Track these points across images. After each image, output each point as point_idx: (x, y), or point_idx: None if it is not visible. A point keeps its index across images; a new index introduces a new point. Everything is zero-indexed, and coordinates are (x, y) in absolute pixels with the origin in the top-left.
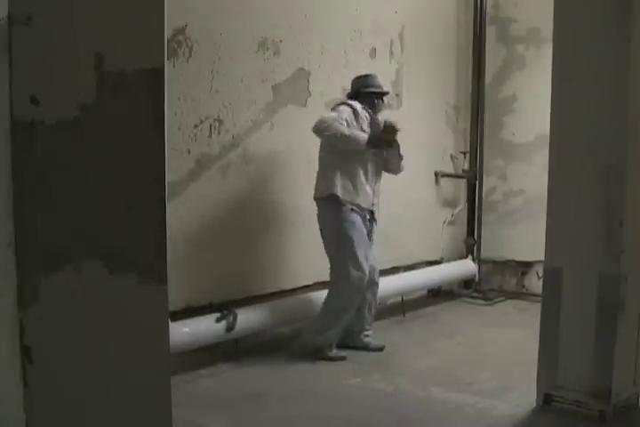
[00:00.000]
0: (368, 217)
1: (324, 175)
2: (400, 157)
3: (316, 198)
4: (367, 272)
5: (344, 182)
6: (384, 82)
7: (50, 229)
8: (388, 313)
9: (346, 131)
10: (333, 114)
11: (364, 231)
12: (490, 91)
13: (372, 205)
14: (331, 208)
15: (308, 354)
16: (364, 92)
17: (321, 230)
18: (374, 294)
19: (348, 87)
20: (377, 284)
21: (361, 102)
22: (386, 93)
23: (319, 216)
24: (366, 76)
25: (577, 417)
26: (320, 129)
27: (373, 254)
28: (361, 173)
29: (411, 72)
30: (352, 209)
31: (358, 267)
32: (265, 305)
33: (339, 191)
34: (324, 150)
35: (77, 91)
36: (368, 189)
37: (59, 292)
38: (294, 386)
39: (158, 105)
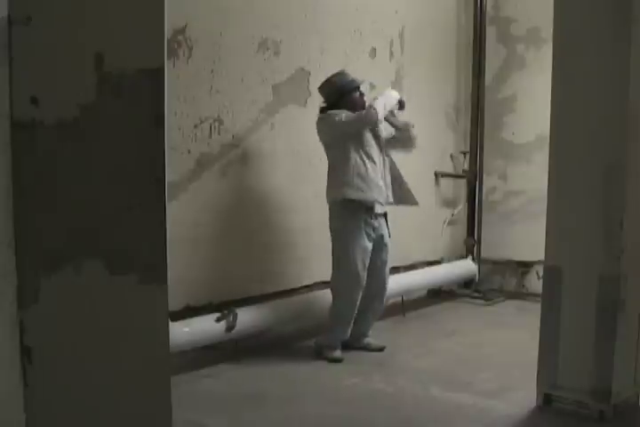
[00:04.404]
0: (379, 223)
1: (334, 179)
2: (408, 127)
3: (328, 202)
4: (362, 278)
5: (355, 182)
6: (384, 82)
7: (50, 228)
8: (388, 313)
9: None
10: (336, 116)
11: (367, 239)
12: (490, 91)
13: (388, 197)
14: (341, 212)
15: (316, 352)
16: (352, 88)
17: (330, 233)
18: (381, 300)
19: None
20: (385, 290)
21: (346, 103)
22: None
23: (329, 218)
24: (340, 74)
25: (577, 417)
26: (355, 123)
27: (383, 261)
28: (369, 168)
29: (411, 72)
30: (362, 214)
31: (353, 276)
32: (265, 305)
33: (351, 194)
34: (329, 154)
35: (77, 91)
36: (381, 183)
37: (59, 292)
38: (294, 386)
39: (158, 105)
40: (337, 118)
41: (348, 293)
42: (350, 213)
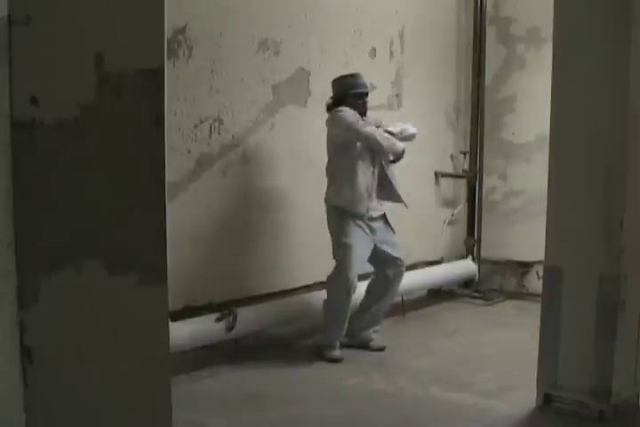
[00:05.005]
0: (375, 224)
1: (330, 184)
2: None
3: (325, 205)
4: (353, 283)
5: (346, 191)
6: (384, 82)
7: (50, 229)
8: (388, 313)
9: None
10: (354, 122)
11: (366, 240)
12: (490, 91)
13: (369, 210)
14: (334, 216)
15: (314, 353)
16: (354, 93)
17: (329, 234)
18: (393, 293)
19: None
20: (399, 282)
21: (348, 105)
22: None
23: (327, 221)
24: (353, 76)
25: (577, 417)
26: (383, 146)
27: (395, 251)
28: (359, 179)
29: (411, 72)
30: (354, 218)
31: (346, 274)
32: (265, 305)
33: (340, 201)
34: (330, 156)
35: (77, 91)
36: (365, 195)
37: (59, 292)
38: (294, 386)
39: (158, 105)
40: (355, 126)
41: (338, 294)
42: (344, 218)
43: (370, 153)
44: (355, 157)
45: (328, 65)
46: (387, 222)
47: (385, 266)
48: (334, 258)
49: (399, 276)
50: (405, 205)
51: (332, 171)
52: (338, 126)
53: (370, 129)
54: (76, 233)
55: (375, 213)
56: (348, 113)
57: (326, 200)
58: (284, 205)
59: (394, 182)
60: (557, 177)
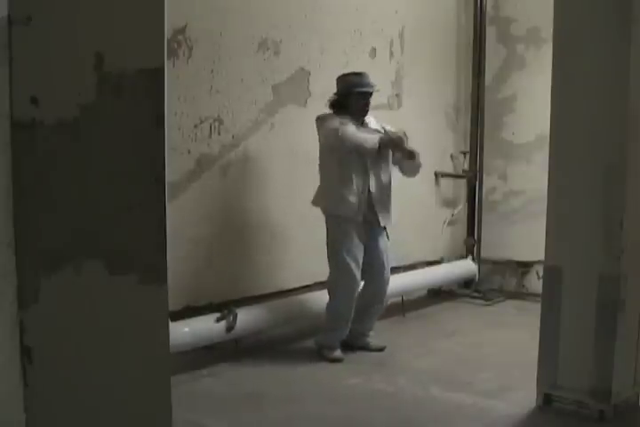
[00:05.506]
0: (365, 228)
1: (320, 186)
2: (417, 166)
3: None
4: (357, 277)
5: (330, 193)
6: (384, 82)
7: (50, 229)
8: (388, 313)
9: (358, 135)
10: (336, 126)
11: (357, 241)
12: (490, 91)
13: (357, 214)
14: (327, 219)
15: (317, 353)
16: (358, 91)
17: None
18: (381, 301)
19: None
20: (385, 291)
21: (350, 103)
22: (372, 93)
23: (325, 222)
24: (359, 75)
25: (577, 417)
26: (352, 144)
27: (381, 261)
28: (345, 182)
29: (411, 72)
30: (344, 220)
31: (348, 275)
32: (265, 305)
33: (327, 205)
34: (320, 160)
35: (77, 91)
36: (353, 199)
37: (59, 292)
38: (294, 386)
39: (158, 105)
40: (336, 127)
41: (344, 291)
42: (337, 220)
43: (360, 157)
44: (341, 161)
45: (328, 65)
46: (384, 228)
47: (369, 276)
48: (329, 261)
49: (382, 291)
50: (386, 229)
51: (322, 174)
52: (320, 130)
53: (350, 130)
54: (76, 233)
55: (358, 218)
56: (331, 119)
57: (316, 203)
58: (284, 205)
59: (389, 199)
60: (557, 177)
